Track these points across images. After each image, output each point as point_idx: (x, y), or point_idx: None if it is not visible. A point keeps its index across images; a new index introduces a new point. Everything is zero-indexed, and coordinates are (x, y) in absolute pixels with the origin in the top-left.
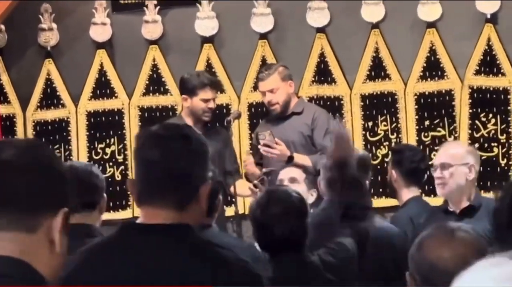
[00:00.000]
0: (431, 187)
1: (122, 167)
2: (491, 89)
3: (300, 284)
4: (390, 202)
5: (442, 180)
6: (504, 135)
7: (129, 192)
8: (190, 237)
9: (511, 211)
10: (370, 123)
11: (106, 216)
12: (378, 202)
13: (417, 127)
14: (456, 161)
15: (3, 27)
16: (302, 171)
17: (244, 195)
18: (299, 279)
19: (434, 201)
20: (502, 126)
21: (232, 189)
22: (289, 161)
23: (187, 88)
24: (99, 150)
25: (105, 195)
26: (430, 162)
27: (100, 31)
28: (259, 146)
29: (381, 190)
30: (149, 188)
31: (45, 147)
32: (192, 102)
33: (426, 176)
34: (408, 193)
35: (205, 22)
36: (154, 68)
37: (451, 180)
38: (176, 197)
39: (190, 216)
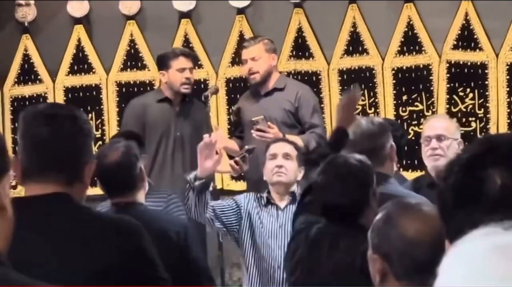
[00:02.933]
0: (409, 161)
1: (100, 142)
2: (469, 63)
3: (351, 251)
4: None
5: (439, 152)
6: (482, 109)
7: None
8: (69, 203)
9: (455, 191)
10: None
11: None
12: None
13: (394, 102)
14: (450, 134)
15: None
16: (294, 147)
17: (223, 172)
18: (351, 246)
19: (412, 176)
20: (480, 101)
21: None
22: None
23: (162, 63)
24: None
25: None
26: (408, 137)
27: (78, 7)
28: (252, 131)
29: None
30: (37, 165)
31: None
32: (169, 75)
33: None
34: None
35: None
36: (132, 43)
37: (448, 153)
38: (63, 175)
39: (75, 193)
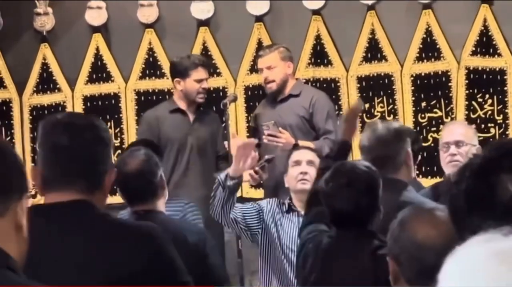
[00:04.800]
0: (428, 168)
1: (119, 151)
2: (488, 69)
3: (364, 258)
4: None
5: (458, 158)
6: (501, 115)
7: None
8: (91, 211)
9: (467, 196)
10: (367, 105)
11: None
12: None
13: (413, 109)
14: (469, 140)
15: None
16: (316, 155)
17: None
18: (363, 253)
19: (431, 183)
20: (499, 107)
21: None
22: (295, 147)
23: (179, 71)
24: None
25: None
26: (427, 143)
27: (96, 15)
28: (264, 137)
29: None
30: (56, 174)
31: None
32: (186, 84)
33: (419, 157)
34: None
35: (201, 5)
36: (150, 51)
37: (467, 159)
38: (84, 183)
39: (96, 201)
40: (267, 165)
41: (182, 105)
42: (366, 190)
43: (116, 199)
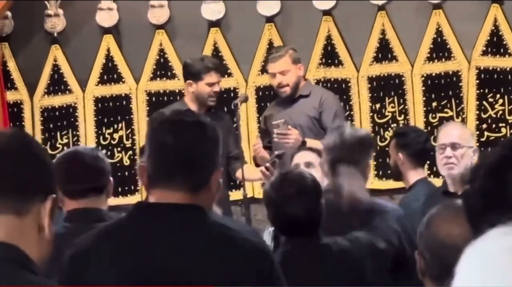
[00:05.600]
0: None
1: (130, 152)
2: (498, 69)
3: (313, 265)
4: (399, 184)
5: (453, 160)
6: None
7: (137, 177)
8: (204, 217)
9: (482, 195)
10: (378, 105)
11: (114, 201)
12: (386, 184)
13: (424, 109)
14: (465, 142)
15: (9, 13)
16: (317, 155)
17: (253, 179)
18: (311, 260)
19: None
20: (510, 107)
21: (238, 173)
22: (302, 145)
23: (191, 73)
24: (107, 136)
25: (111, 179)
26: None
27: (107, 17)
28: (274, 136)
29: (389, 171)
30: (163, 171)
31: (31, 137)
32: (198, 87)
33: (430, 156)
34: (415, 175)
35: (212, 6)
36: (161, 52)
37: (462, 161)
38: (189, 182)
39: (202, 201)
40: (278, 161)
41: (193, 106)
42: (316, 197)
43: (123, 200)
